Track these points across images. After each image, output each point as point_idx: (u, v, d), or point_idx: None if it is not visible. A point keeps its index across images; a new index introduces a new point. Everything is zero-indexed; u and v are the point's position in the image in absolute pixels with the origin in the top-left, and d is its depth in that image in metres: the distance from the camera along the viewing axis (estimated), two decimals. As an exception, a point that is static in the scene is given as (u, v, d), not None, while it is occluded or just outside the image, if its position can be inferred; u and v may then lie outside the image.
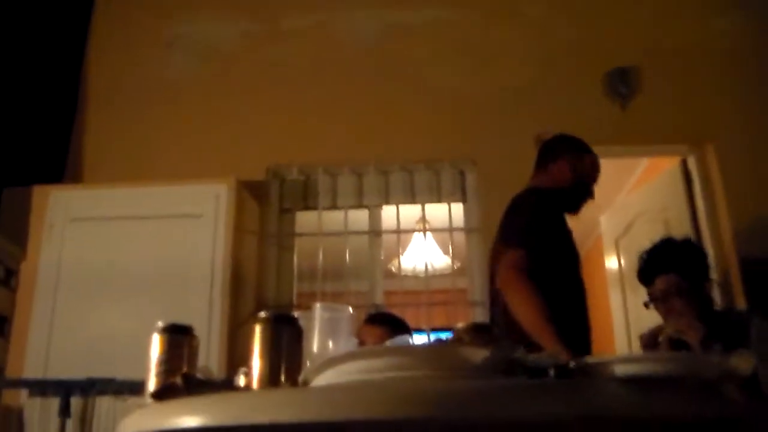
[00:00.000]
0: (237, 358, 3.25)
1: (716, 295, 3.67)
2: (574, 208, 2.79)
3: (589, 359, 1.13)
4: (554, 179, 2.78)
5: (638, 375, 1.06)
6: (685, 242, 2.74)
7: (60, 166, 4.15)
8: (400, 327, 2.89)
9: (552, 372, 1.11)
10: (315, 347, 1.41)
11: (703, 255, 2.74)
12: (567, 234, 2.67)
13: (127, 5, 4.61)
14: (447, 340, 1.55)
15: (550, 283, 2.39)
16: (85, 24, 4.51)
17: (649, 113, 4.05)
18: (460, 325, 1.45)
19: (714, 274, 2.89)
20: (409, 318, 3.11)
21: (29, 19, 4.09)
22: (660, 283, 2.56)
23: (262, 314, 1.34)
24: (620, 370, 1.08)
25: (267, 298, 3.83)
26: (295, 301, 3.99)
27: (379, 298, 3.97)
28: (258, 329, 1.31)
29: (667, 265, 2.57)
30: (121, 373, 2.98)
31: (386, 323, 2.92)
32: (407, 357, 1.11)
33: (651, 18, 4.29)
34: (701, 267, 2.63)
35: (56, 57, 4.25)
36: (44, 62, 4.12)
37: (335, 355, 1.21)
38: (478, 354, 1.10)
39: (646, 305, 2.62)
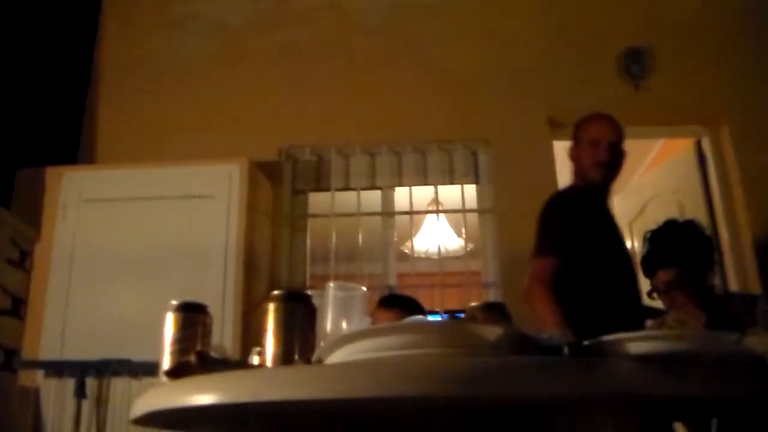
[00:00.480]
0: (250, 341, 3.25)
1: (730, 279, 3.67)
2: (607, 179, 2.68)
3: (604, 337, 1.13)
4: (575, 170, 2.75)
5: (653, 353, 1.06)
6: (688, 228, 2.72)
7: (73, 147, 4.16)
8: (414, 308, 2.88)
9: (566, 350, 1.10)
10: (328, 326, 1.40)
11: (706, 241, 2.72)
12: (604, 225, 2.62)
13: (139, -14, 4.61)
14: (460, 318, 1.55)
15: (588, 283, 2.42)
16: (97, 4, 4.51)
17: (663, 94, 4.01)
18: (473, 303, 1.45)
19: (717, 258, 2.88)
20: (423, 300, 3.09)
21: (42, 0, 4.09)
22: (662, 276, 2.59)
23: (276, 292, 1.33)
24: (635, 348, 1.07)
25: (280, 280, 3.83)
26: (308, 282, 4.00)
27: (392, 280, 3.97)
28: (272, 307, 1.30)
29: (668, 259, 2.59)
30: (136, 354, 3.02)
31: (399, 305, 2.91)
32: (421, 334, 1.10)
33: (664, -3, 4.24)
34: (703, 256, 2.64)
35: (69, 38, 4.25)
36: (57, 43, 4.12)
37: (349, 333, 1.21)
38: (492, 331, 1.10)
39: (649, 295, 2.64)
